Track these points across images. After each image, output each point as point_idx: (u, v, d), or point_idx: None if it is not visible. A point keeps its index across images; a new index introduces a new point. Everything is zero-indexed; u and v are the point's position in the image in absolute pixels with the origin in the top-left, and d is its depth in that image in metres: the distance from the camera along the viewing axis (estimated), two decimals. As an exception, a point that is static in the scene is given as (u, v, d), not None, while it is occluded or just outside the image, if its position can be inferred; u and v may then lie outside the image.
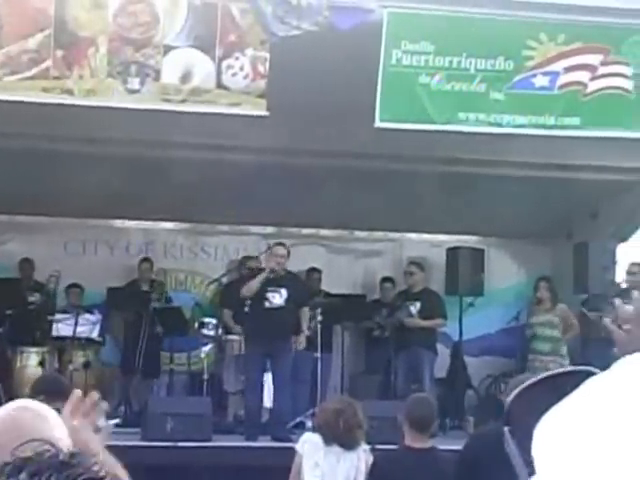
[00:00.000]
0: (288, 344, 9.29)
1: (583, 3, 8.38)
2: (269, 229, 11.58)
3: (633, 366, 1.21)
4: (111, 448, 2.28)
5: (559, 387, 1.63)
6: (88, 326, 9.95)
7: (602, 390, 1.19)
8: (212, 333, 9.60)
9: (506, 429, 2.06)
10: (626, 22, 8.45)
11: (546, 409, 1.26)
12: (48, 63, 7.67)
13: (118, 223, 11.59)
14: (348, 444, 5.70)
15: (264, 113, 8.09)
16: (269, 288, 9.15)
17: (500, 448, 5.21)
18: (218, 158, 9.91)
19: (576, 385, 1.23)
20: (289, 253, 9.44)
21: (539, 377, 2.13)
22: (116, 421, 9.30)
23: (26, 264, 10.84)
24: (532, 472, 1.29)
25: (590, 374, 1.35)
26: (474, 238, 11.94)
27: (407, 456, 5.54)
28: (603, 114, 8.57)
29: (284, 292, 9.20)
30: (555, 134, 8.61)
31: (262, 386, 9.34)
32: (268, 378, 9.50)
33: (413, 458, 5.49)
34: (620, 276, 10.86)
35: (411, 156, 10.03)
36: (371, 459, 5.77)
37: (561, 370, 2.31)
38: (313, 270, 11.28)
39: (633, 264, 10.43)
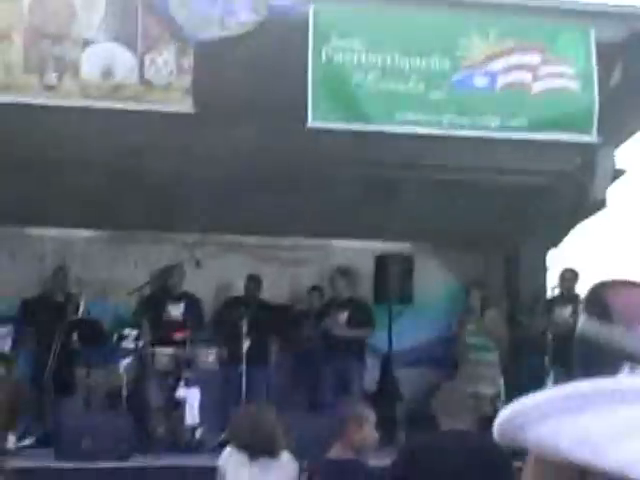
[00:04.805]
0: None
1: (511, 2, 8.25)
2: (192, 237, 11.06)
3: None
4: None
5: None
6: (-1, 340, 9.39)
7: None
8: (132, 346, 9.08)
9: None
10: (556, 20, 8.31)
11: None
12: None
13: (30, 231, 10.94)
14: (269, 451, 5.51)
15: (190, 110, 7.67)
16: None
17: (429, 463, 4.97)
18: (137, 162, 9.39)
19: None
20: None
21: None
22: (28, 441, 8.81)
23: None
24: None
25: None
26: (403, 245, 11.61)
27: (334, 466, 5.32)
28: (551, 115, 8.28)
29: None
30: (500, 136, 8.28)
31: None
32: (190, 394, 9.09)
33: (338, 469, 5.31)
34: (552, 282, 10.69)
35: (338, 159, 9.63)
36: (297, 468, 5.61)
37: None
38: (252, 278, 10.69)
39: (566, 270, 10.24)
